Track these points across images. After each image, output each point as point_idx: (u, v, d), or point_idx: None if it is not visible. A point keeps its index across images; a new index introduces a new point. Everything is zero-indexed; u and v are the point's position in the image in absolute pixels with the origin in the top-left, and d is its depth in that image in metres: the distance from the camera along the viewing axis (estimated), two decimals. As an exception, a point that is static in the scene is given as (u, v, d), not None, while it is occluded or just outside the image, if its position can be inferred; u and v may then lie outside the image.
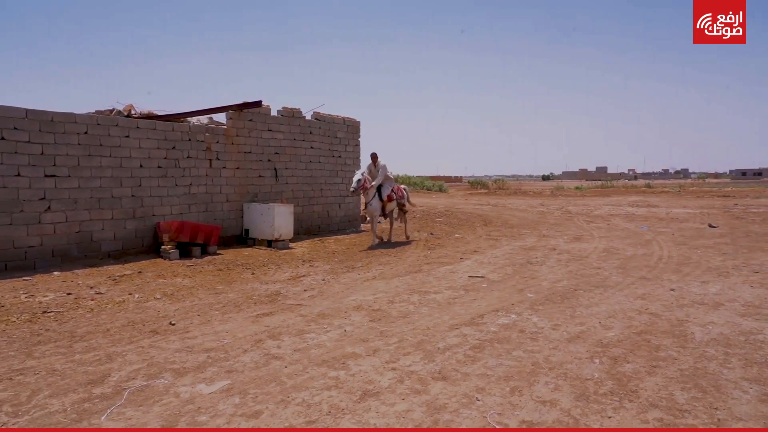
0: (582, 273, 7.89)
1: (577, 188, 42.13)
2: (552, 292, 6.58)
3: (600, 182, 54.08)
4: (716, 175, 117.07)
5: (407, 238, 11.81)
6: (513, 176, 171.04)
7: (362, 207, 11.31)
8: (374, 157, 11.22)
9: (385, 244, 11.21)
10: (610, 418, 3.18)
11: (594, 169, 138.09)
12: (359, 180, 10.47)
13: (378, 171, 11.06)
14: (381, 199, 10.95)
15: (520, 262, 8.84)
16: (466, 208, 21.68)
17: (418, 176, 49.44)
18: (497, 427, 3.07)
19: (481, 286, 6.97)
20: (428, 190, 38.01)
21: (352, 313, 5.61)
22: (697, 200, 26.65)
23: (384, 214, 11.34)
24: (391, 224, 11.94)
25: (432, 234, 12.92)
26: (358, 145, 14.58)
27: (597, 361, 4.16)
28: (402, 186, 11.86)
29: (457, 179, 79.16)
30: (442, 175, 78.60)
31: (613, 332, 4.90)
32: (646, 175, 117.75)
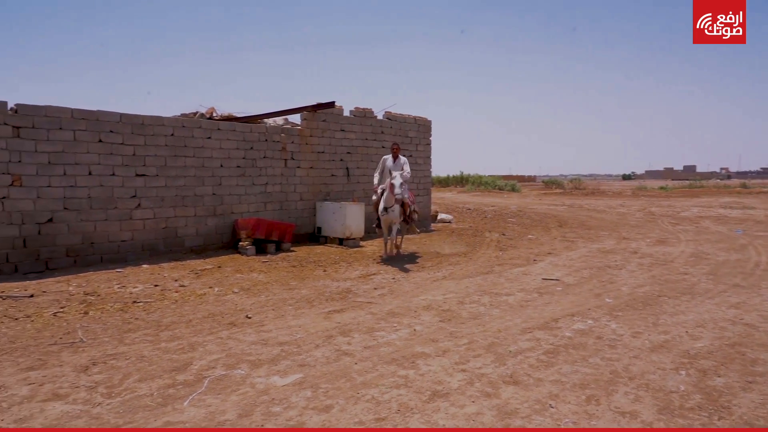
0: (667, 278, 7.42)
1: (661, 188, 39.66)
2: (633, 298, 6.23)
3: (687, 182, 50.65)
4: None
5: (398, 249, 9.62)
6: (590, 175, 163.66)
7: (376, 212, 9.21)
8: (395, 149, 9.37)
9: (393, 259, 9.17)
10: (698, 434, 2.97)
11: (681, 168, 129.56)
12: (402, 184, 8.52)
13: (399, 168, 9.12)
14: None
15: (597, 266, 8.45)
16: (539, 208, 21.03)
17: (490, 175, 48.57)
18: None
19: (555, 290, 6.73)
20: (500, 189, 37.24)
21: (422, 313, 5.59)
22: (801, 202, 24.30)
23: (406, 220, 9.44)
24: (402, 233, 9.88)
25: (504, 234, 12.65)
26: (429, 144, 14.53)
27: (683, 372, 3.89)
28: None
29: (531, 179, 76.97)
30: (514, 174, 76.76)
31: (701, 343, 4.57)
32: (741, 174, 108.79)
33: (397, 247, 9.63)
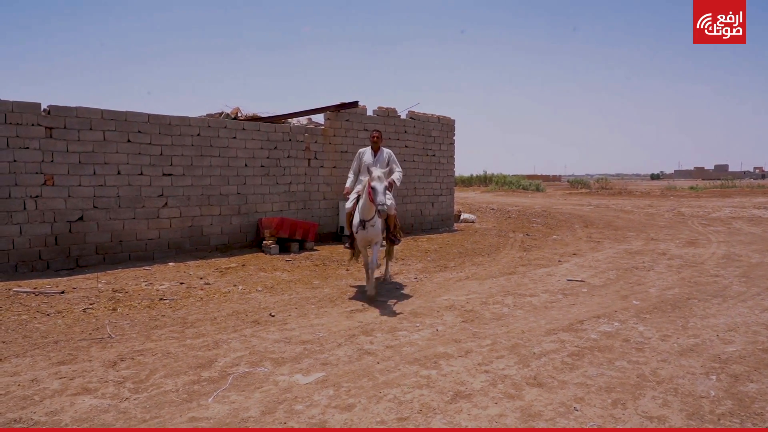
0: (697, 281, 7.23)
1: (691, 188, 38.71)
2: (661, 300, 6.09)
3: (719, 182, 49.31)
4: None
5: (385, 278, 7.25)
6: (617, 175, 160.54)
7: (348, 226, 6.68)
8: (376, 138, 6.84)
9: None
10: (729, 441, 2.88)
11: (712, 168, 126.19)
12: (386, 189, 5.88)
13: (381, 164, 6.61)
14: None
15: (624, 267, 8.29)
16: (565, 208, 20.74)
17: (514, 175, 48.12)
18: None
19: (580, 291, 6.62)
20: (524, 189, 36.85)
21: (445, 313, 5.56)
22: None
23: (390, 238, 6.89)
24: (390, 257, 7.39)
25: (528, 235, 12.50)
26: (452, 143, 14.45)
27: (714, 377, 3.78)
28: None
29: (556, 178, 75.97)
30: (539, 173, 75.87)
31: (733, 347, 4.44)
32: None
33: (381, 274, 7.17)
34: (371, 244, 6.29)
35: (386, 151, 6.84)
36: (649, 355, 4.24)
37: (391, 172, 6.39)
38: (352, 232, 6.53)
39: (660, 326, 5.04)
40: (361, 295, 6.43)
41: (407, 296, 6.40)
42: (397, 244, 7.15)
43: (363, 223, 6.12)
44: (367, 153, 6.88)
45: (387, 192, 5.86)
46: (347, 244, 6.95)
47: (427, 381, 3.71)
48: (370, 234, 6.16)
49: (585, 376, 3.81)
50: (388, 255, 7.27)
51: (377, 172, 5.84)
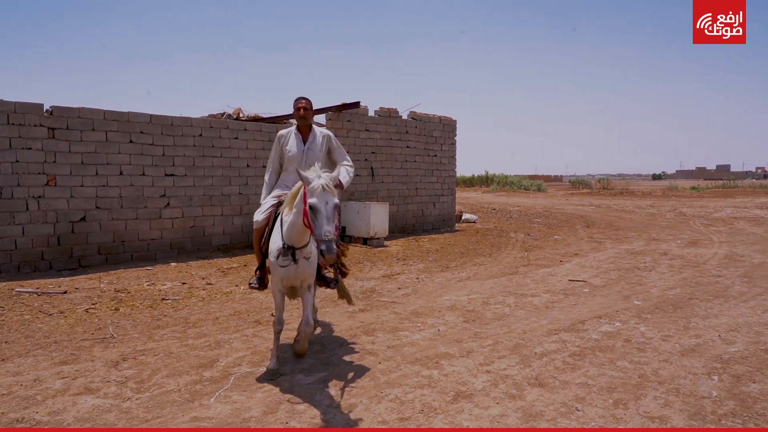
0: (698, 281, 7.23)
1: (693, 188, 38.62)
2: (662, 301, 6.09)
3: (721, 182, 49.19)
4: None
5: (305, 327, 3.80)
6: (619, 175, 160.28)
7: (257, 248, 4.20)
8: (304, 112, 4.30)
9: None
10: (731, 441, 2.88)
11: (714, 168, 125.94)
12: (333, 193, 3.27)
13: (315, 155, 4.24)
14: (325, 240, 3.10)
15: (626, 267, 8.28)
16: (566, 208, 20.73)
17: (516, 175, 48.07)
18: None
19: (582, 291, 6.62)
20: (526, 189, 36.82)
21: (446, 313, 5.56)
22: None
23: (327, 282, 4.29)
24: (314, 308, 4.52)
25: (529, 235, 12.50)
26: (453, 144, 14.45)
27: (715, 378, 3.78)
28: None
29: (557, 178, 75.92)
30: (540, 174, 75.81)
31: (735, 347, 4.43)
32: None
33: (300, 350, 4.00)
34: (301, 286, 3.83)
35: (321, 133, 4.30)
36: (651, 356, 4.24)
37: (334, 168, 3.84)
38: (262, 263, 4.17)
39: (661, 326, 5.04)
40: (361, 294, 6.42)
41: (409, 296, 6.40)
42: (344, 276, 4.69)
43: (288, 252, 3.60)
44: (291, 138, 4.26)
45: (336, 212, 3.20)
46: (253, 281, 4.24)
47: (429, 381, 3.72)
48: (301, 272, 3.70)
49: (586, 376, 3.81)
50: (347, 294, 4.75)
51: (316, 175, 3.26)
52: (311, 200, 3.18)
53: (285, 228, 3.62)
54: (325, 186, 3.22)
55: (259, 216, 4.09)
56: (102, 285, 6.92)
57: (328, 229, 3.10)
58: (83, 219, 8.14)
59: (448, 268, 8.31)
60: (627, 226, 14.45)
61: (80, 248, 8.12)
